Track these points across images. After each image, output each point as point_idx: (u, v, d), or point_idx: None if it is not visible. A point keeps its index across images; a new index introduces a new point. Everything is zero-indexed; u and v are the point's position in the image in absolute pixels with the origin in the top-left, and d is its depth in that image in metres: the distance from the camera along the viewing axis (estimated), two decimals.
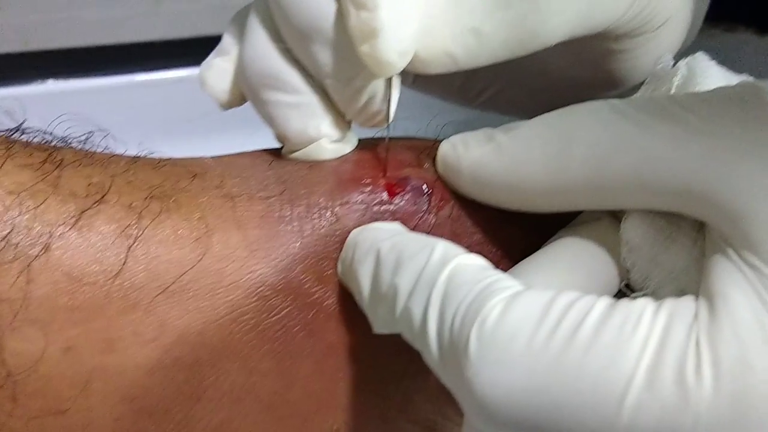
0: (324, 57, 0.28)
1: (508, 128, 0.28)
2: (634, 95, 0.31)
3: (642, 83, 0.32)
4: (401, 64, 0.27)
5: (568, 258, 0.27)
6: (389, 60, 0.26)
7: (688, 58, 0.30)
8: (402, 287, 0.25)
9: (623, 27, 0.31)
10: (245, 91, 0.31)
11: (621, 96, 0.37)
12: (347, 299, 0.29)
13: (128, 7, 0.59)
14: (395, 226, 0.29)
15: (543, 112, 0.28)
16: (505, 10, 0.27)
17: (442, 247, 0.26)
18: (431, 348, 0.24)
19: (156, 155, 0.30)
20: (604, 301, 0.23)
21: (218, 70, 0.32)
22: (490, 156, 0.28)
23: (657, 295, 0.26)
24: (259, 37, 0.30)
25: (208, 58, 0.33)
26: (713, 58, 0.30)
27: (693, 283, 0.25)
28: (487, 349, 0.22)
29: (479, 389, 0.22)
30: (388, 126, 0.30)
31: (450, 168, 0.29)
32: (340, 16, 0.27)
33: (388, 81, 0.29)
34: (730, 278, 0.22)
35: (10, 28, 0.60)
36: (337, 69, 0.28)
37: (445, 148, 0.29)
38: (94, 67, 0.53)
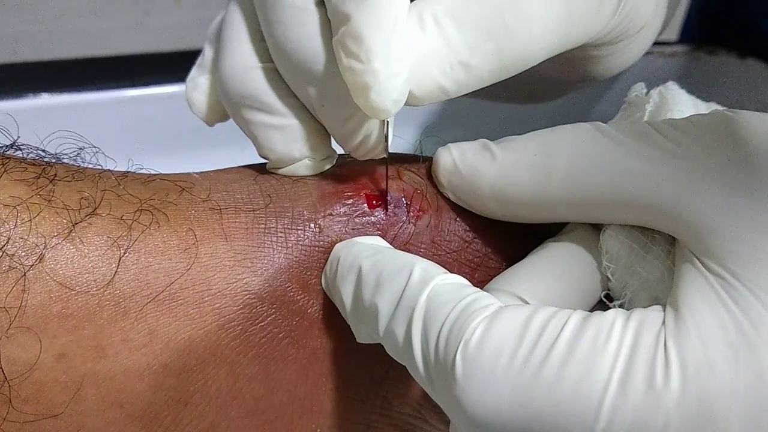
0: (319, 98, 0.29)
1: (502, 141, 0.29)
2: (613, 120, 0.32)
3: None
4: (395, 110, 0.27)
5: (552, 267, 0.28)
6: (384, 108, 0.27)
7: (660, 87, 0.31)
8: (383, 308, 0.26)
9: (604, 38, 0.32)
10: (226, 107, 0.32)
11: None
12: (330, 307, 0.30)
13: (116, 19, 0.59)
14: (377, 242, 0.29)
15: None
16: (491, 42, 0.28)
17: (420, 267, 0.26)
18: (418, 367, 0.25)
19: (143, 171, 0.31)
20: (578, 315, 0.24)
21: (203, 89, 0.33)
22: (484, 164, 0.29)
23: (633, 302, 0.27)
24: (238, 54, 0.30)
25: (192, 75, 0.33)
26: (696, 80, 0.31)
27: (667, 291, 0.26)
28: (472, 369, 0.24)
29: (469, 407, 0.24)
30: (386, 156, 0.30)
31: (450, 173, 0.30)
32: (334, 61, 0.27)
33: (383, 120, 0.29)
34: (695, 286, 0.24)
35: None
36: (333, 110, 0.29)
37: (444, 155, 0.30)
38: (85, 81, 0.53)
